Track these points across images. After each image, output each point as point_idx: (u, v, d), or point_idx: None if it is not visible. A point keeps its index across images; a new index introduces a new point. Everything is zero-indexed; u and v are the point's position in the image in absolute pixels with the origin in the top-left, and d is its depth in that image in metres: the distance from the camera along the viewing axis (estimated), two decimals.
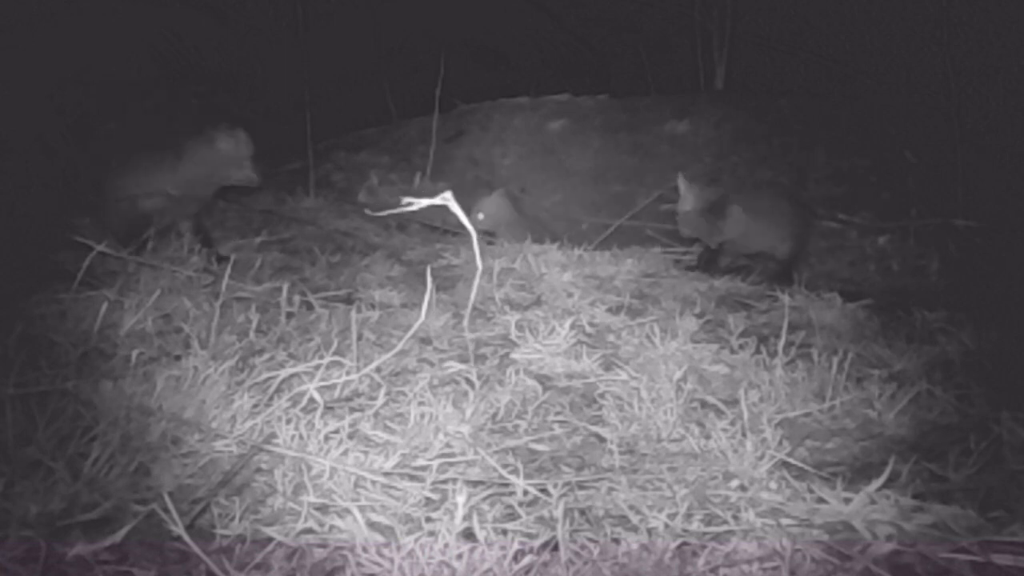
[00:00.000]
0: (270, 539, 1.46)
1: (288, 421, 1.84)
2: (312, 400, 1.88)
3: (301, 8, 5.61)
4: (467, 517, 1.49)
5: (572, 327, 2.59)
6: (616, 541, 1.47)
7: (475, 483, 1.68)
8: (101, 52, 5.01)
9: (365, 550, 1.42)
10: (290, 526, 1.51)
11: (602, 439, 1.98)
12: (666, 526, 1.52)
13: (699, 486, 1.69)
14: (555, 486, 1.64)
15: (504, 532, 1.50)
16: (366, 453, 1.78)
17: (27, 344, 2.12)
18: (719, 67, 6.04)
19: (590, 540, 1.46)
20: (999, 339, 2.54)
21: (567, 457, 1.87)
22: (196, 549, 1.37)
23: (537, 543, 1.46)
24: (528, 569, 1.40)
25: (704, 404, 2.10)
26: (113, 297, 2.49)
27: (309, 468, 1.70)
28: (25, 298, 2.51)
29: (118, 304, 2.47)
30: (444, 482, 1.69)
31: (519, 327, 2.55)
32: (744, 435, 1.86)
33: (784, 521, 1.58)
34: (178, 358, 2.16)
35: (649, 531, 1.51)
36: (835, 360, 2.20)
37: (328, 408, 1.91)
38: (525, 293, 3.09)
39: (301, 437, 1.79)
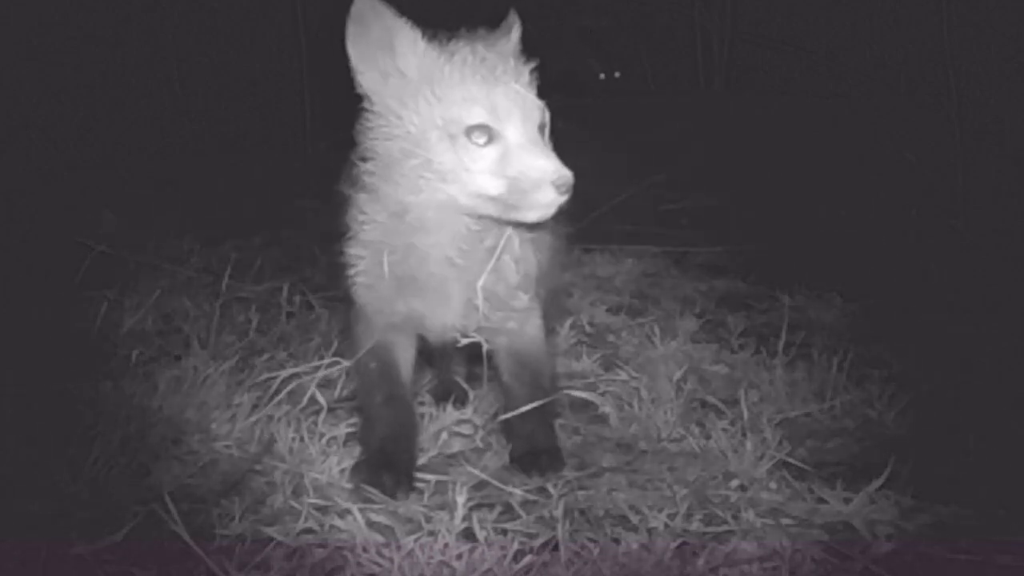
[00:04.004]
0: (270, 539, 1.46)
1: (288, 422, 1.84)
2: (313, 400, 1.88)
3: (301, 8, 5.62)
4: (467, 517, 1.49)
5: (572, 327, 2.59)
6: (616, 541, 1.47)
7: (475, 483, 1.68)
8: (101, 51, 5.01)
9: (365, 550, 1.42)
10: (290, 526, 1.51)
11: (602, 439, 1.98)
12: (666, 526, 1.52)
13: (699, 486, 1.69)
14: (555, 486, 1.64)
15: (504, 532, 1.50)
16: None
17: (27, 344, 2.12)
18: (719, 67, 6.04)
19: (590, 540, 1.46)
20: (999, 339, 2.53)
21: (567, 457, 1.87)
22: (196, 549, 1.37)
23: (537, 543, 1.46)
24: (528, 569, 1.40)
25: (704, 404, 2.10)
26: (113, 297, 2.49)
27: (309, 468, 1.70)
28: (25, 298, 2.51)
29: (118, 304, 2.47)
30: (444, 482, 1.69)
31: None
32: (744, 435, 1.86)
33: (784, 521, 1.58)
34: (178, 358, 2.16)
35: (649, 531, 1.51)
36: (835, 360, 2.20)
37: (329, 408, 1.91)
38: None
39: (302, 438, 1.79)
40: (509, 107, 1.55)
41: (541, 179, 1.52)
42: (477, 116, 1.54)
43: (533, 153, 1.54)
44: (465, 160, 1.54)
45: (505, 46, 1.67)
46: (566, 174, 1.52)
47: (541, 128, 1.60)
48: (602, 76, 4.49)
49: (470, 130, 1.54)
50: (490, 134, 1.54)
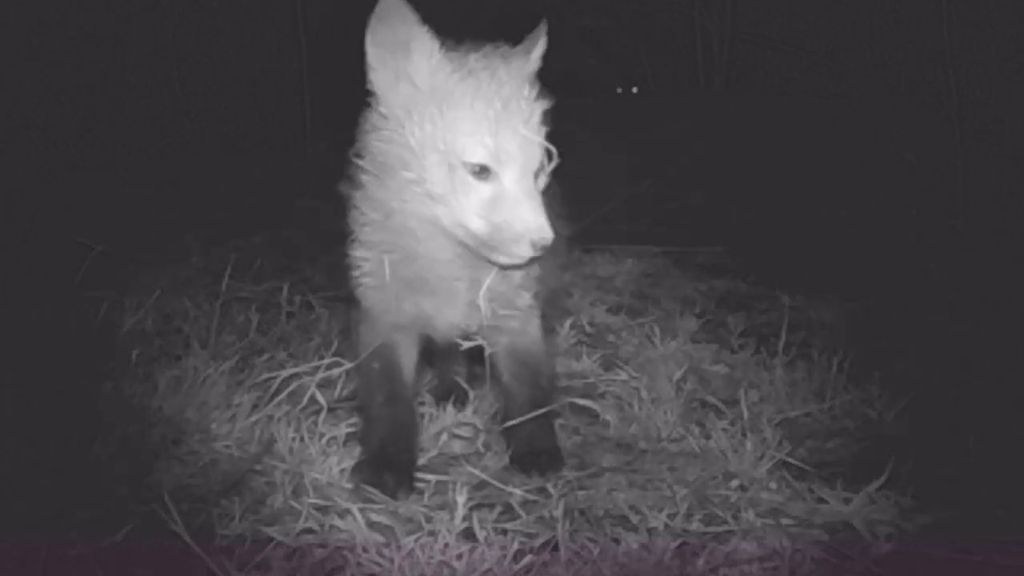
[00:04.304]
0: (270, 539, 1.46)
1: (288, 422, 1.84)
2: (313, 400, 1.88)
3: (301, 8, 5.62)
4: (467, 517, 1.49)
5: (572, 327, 2.59)
6: (616, 541, 1.47)
7: (475, 483, 1.68)
8: (101, 51, 5.01)
9: (365, 550, 1.42)
10: (290, 526, 1.51)
11: (602, 439, 1.98)
12: (666, 526, 1.52)
13: (699, 486, 1.69)
14: (555, 486, 1.64)
15: (504, 532, 1.50)
16: None
17: (27, 344, 2.12)
18: (719, 67, 6.04)
19: (590, 540, 1.46)
20: (999, 339, 2.53)
21: (567, 457, 1.87)
22: (196, 549, 1.37)
23: (537, 543, 1.46)
24: (528, 569, 1.40)
25: (704, 404, 2.10)
26: (113, 297, 2.49)
27: (310, 468, 1.70)
28: (25, 298, 2.50)
29: (118, 304, 2.47)
30: (444, 482, 1.69)
31: None
32: (744, 435, 1.86)
33: (784, 521, 1.58)
34: (178, 358, 2.16)
35: (649, 531, 1.51)
36: (835, 360, 2.20)
37: (329, 408, 1.91)
38: None
39: (302, 438, 1.79)
40: (512, 152, 1.54)
41: (523, 234, 1.52)
42: (479, 156, 1.53)
43: (523, 205, 1.53)
44: (459, 190, 1.54)
45: (524, 66, 1.62)
46: (547, 235, 1.52)
47: (539, 170, 1.59)
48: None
49: (469, 165, 1.54)
50: (488, 173, 1.54)
